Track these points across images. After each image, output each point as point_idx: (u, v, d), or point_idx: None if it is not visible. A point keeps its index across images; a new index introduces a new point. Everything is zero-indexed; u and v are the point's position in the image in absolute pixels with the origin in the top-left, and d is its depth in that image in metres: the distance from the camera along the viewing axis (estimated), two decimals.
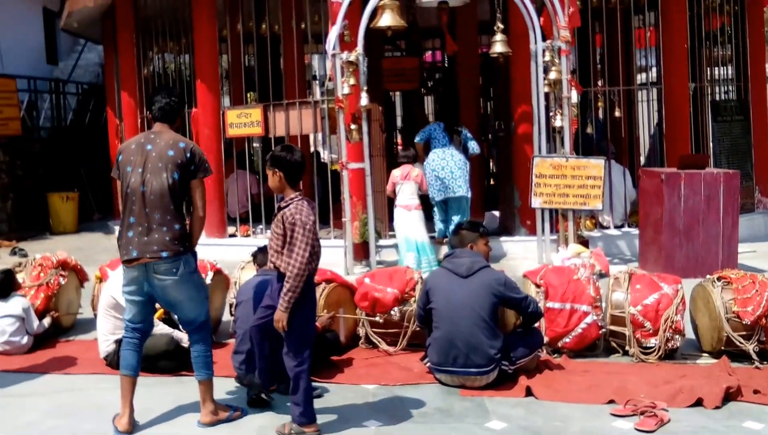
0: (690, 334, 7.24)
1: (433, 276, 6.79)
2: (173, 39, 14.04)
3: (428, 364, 6.64)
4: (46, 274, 8.46)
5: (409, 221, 10.51)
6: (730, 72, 14.04)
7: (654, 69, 14.72)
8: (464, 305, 6.38)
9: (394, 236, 11.06)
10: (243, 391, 6.49)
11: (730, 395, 6.04)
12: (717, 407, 5.89)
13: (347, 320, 7.52)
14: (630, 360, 6.98)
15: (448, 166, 10.90)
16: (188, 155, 5.73)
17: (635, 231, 11.03)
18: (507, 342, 6.48)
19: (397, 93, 18.65)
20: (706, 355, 7.10)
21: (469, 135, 11.32)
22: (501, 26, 10.38)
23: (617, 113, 11.97)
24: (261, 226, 12.33)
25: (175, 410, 6.16)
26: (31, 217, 16.77)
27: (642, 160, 15.80)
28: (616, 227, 11.84)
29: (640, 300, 6.99)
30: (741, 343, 6.80)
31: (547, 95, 10.32)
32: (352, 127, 10.30)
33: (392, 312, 7.27)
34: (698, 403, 5.94)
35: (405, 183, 10.53)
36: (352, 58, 10.13)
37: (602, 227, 11.78)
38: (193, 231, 5.84)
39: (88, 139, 19.38)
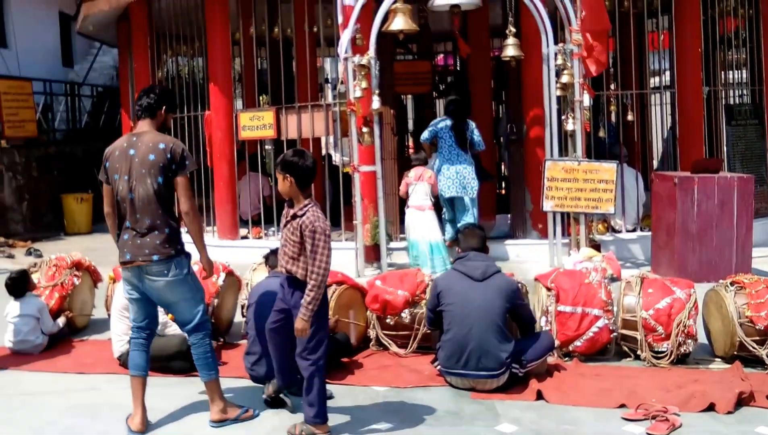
0: (703, 338, 7.23)
1: (445, 278, 6.78)
2: (187, 42, 14.09)
3: (438, 366, 6.64)
4: (60, 274, 8.56)
5: (422, 221, 10.54)
6: (744, 76, 14.00)
7: (667, 72, 14.69)
8: (478, 309, 6.37)
9: (405, 238, 11.09)
10: (256, 391, 6.54)
11: (743, 400, 6.03)
12: (729, 412, 5.87)
13: (358, 322, 7.54)
14: (642, 364, 6.96)
15: (454, 165, 10.96)
16: (168, 156, 5.75)
17: (648, 235, 10.99)
18: (518, 346, 6.49)
19: (409, 96, 18.67)
20: (719, 360, 7.08)
21: (475, 131, 11.25)
22: (513, 30, 10.38)
23: (630, 117, 11.94)
24: (273, 228, 12.36)
25: (188, 410, 6.21)
26: (45, 218, 16.90)
27: (655, 163, 15.77)
28: (629, 231, 11.78)
29: (653, 304, 6.96)
30: (754, 348, 6.78)
31: (559, 98, 10.30)
32: (364, 130, 10.31)
33: (403, 314, 7.29)
34: (710, 408, 5.92)
35: (418, 184, 10.57)
36: (364, 61, 10.14)
37: (614, 231, 11.74)
38: (188, 228, 5.89)
39: (103, 141, 19.45)
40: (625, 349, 7.14)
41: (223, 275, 7.99)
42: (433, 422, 5.92)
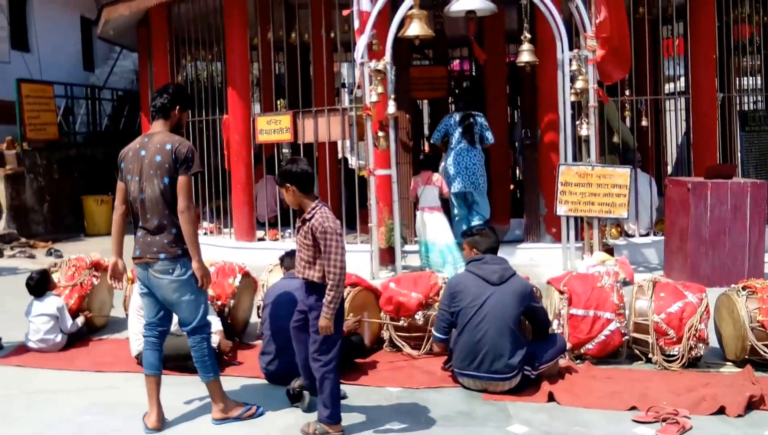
0: (714, 342, 7.23)
1: (461, 280, 6.72)
2: (206, 47, 14.18)
3: (451, 367, 6.69)
4: (80, 274, 8.69)
5: (432, 223, 10.73)
6: (758, 82, 14.00)
7: (682, 78, 14.69)
8: (494, 312, 6.39)
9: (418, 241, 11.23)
10: (269, 390, 6.65)
11: (753, 404, 6.05)
12: (739, 415, 5.89)
13: (372, 324, 7.60)
14: (653, 367, 6.98)
15: (464, 161, 11.18)
16: (173, 157, 5.83)
17: (661, 239, 11.01)
18: (531, 348, 6.53)
19: (425, 101, 18.72)
20: (730, 363, 7.10)
21: (485, 124, 11.39)
22: (528, 35, 10.37)
23: (644, 122, 11.96)
24: (289, 231, 12.42)
25: (203, 408, 6.27)
26: (66, 219, 17.04)
27: (669, 169, 15.78)
28: (642, 235, 11.82)
29: (664, 308, 6.98)
30: (765, 352, 6.80)
31: (573, 104, 10.34)
32: (380, 134, 10.37)
33: (416, 316, 7.35)
34: (721, 411, 5.94)
35: (426, 187, 10.77)
36: (380, 66, 10.19)
37: (628, 235, 11.76)
38: (182, 228, 5.90)
39: (122, 143, 19.55)
40: (637, 352, 7.16)
41: (239, 276, 8.08)
42: (446, 423, 5.96)
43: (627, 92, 12.07)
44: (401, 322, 7.42)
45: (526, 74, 11.39)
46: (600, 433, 5.76)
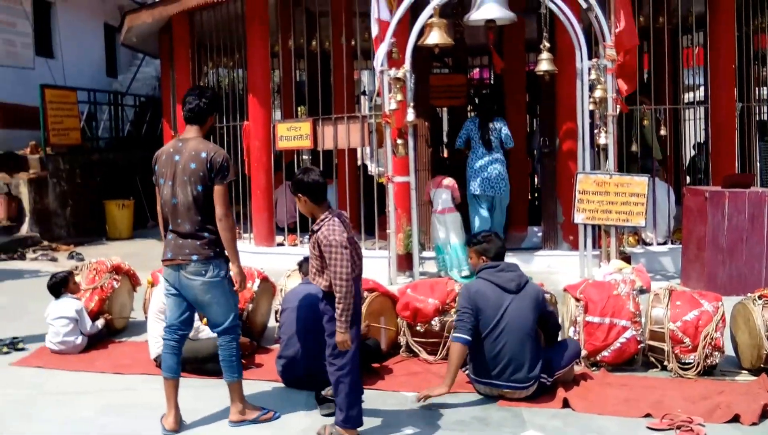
0: (729, 351, 7.23)
1: (479, 287, 6.58)
2: (227, 54, 14.28)
3: (467, 372, 6.69)
4: (100, 277, 8.75)
5: (444, 225, 11.05)
6: None
7: (701, 88, 14.68)
8: (513, 321, 6.38)
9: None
10: (286, 393, 6.70)
11: None
12: (754, 423, 5.89)
13: (388, 329, 7.63)
14: (668, 375, 6.98)
15: (481, 165, 11.45)
16: (208, 165, 5.88)
17: (678, 248, 11.01)
18: (546, 355, 6.55)
19: (444, 109, 18.76)
20: (745, 372, 7.09)
21: (504, 129, 11.57)
22: (548, 44, 10.40)
23: (662, 132, 11.96)
24: (308, 236, 12.48)
25: (220, 411, 6.31)
26: (88, 223, 17.14)
27: (687, 178, 15.75)
28: (659, 244, 11.82)
29: (680, 316, 6.98)
30: None
31: (592, 113, 10.35)
32: (399, 141, 10.42)
33: (433, 322, 7.38)
34: (735, 419, 5.94)
35: (438, 190, 11.08)
36: (400, 74, 10.25)
37: (645, 244, 11.77)
38: (221, 235, 5.99)
39: (144, 149, 19.74)
40: (652, 359, 7.17)
41: (258, 281, 8.13)
42: (460, 428, 5.99)
43: (646, 101, 12.08)
44: (418, 328, 7.44)
45: (545, 83, 11.41)
46: None
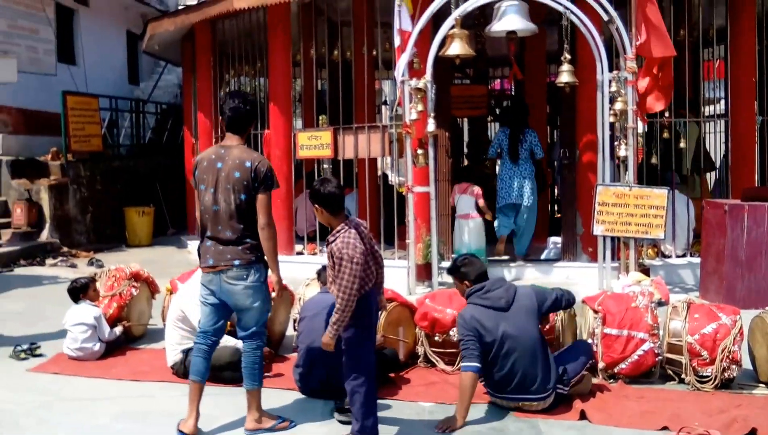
0: (747, 364, 7.21)
1: (473, 313, 6.43)
2: (249, 63, 14.37)
3: (483, 384, 6.66)
4: (119, 284, 8.74)
5: (465, 230, 11.30)
6: None
7: (722, 101, 14.65)
8: (516, 338, 6.34)
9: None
10: (302, 403, 6.73)
11: None
12: None
13: (407, 338, 7.64)
14: (686, 388, 6.96)
15: (507, 175, 11.84)
16: (253, 175, 5.93)
17: (697, 261, 10.99)
18: (560, 364, 6.54)
19: (465, 119, 18.79)
20: (763, 386, 7.06)
21: (535, 140, 11.89)
22: (568, 56, 10.41)
23: (682, 144, 11.95)
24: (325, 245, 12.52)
25: (237, 420, 6.32)
26: (108, 229, 17.19)
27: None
28: (678, 256, 11.81)
29: (698, 329, 6.97)
30: None
31: (612, 125, 10.35)
32: (419, 151, 10.47)
33: (451, 332, 7.36)
34: (752, 433, 5.92)
35: (463, 196, 11.34)
36: (421, 85, 10.30)
37: (664, 256, 11.76)
38: (262, 244, 6.04)
39: (165, 156, 19.87)
40: (670, 372, 7.16)
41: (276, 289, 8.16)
42: None
43: (666, 114, 12.08)
44: (436, 338, 7.45)
45: (565, 94, 11.43)
46: None
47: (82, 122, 16.72)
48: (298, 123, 16.21)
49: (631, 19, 10.20)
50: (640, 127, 10.48)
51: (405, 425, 6.26)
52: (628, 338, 7.05)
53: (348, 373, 5.78)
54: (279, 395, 6.92)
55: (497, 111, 18.49)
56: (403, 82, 10.52)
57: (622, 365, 7.08)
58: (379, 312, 6.53)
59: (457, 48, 10.34)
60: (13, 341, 8.49)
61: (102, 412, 6.63)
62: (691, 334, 6.98)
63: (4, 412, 6.58)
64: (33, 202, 15.38)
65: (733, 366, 6.90)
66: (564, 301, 6.77)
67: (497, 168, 11.79)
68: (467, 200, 11.37)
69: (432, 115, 10.39)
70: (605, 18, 10.26)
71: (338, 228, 5.78)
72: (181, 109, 18.89)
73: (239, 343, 6.74)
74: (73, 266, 13.92)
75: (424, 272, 10.86)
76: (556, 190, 16.39)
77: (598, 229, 10.23)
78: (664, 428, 6.07)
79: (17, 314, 10.00)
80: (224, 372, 7.02)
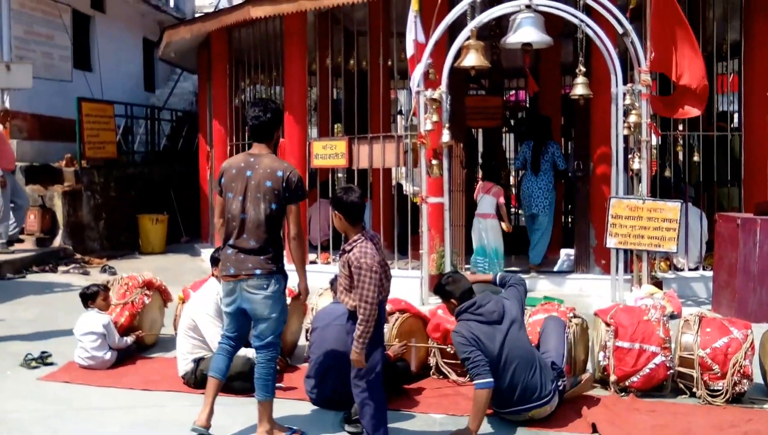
0: (758, 378, 7.22)
1: (470, 327, 6.39)
2: (264, 71, 14.41)
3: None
4: (131, 293, 8.69)
5: (483, 229, 11.46)
6: None
7: (735, 115, 14.64)
8: (513, 349, 6.37)
9: (470, 270, 11.41)
10: (313, 414, 6.75)
11: None
12: None
13: (419, 350, 7.65)
14: (697, 402, 6.96)
15: (527, 187, 12.25)
16: (285, 184, 5.96)
17: (710, 274, 10.99)
18: (548, 359, 6.65)
19: (480, 130, 18.81)
20: None
21: (557, 152, 12.22)
22: (583, 69, 10.45)
23: (696, 158, 11.96)
24: (340, 255, 12.53)
25: (247, 429, 6.35)
26: (121, 236, 17.20)
27: None
28: (691, 269, 11.80)
29: (710, 343, 6.98)
30: None
31: (626, 137, 10.36)
32: (433, 162, 10.49)
33: None
34: None
35: (484, 196, 11.50)
36: (436, 95, 10.33)
37: (677, 269, 11.75)
38: (292, 254, 6.14)
39: (179, 164, 19.93)
40: (681, 386, 7.16)
41: (288, 299, 8.02)
42: None
43: (680, 127, 12.09)
44: (448, 349, 7.45)
45: (579, 107, 11.45)
46: None
47: (96, 129, 16.71)
48: (313, 132, 16.26)
49: (645, 33, 10.22)
50: (654, 140, 10.44)
51: None
52: (640, 351, 7.06)
53: (358, 383, 5.81)
54: (290, 405, 6.93)
55: (513, 123, 18.55)
56: (418, 92, 10.56)
57: (634, 378, 7.09)
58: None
59: (472, 59, 10.36)
60: (24, 349, 8.48)
61: (112, 421, 6.64)
62: (703, 348, 6.99)
63: (14, 421, 6.60)
64: (46, 208, 15.42)
65: (744, 380, 6.89)
66: (524, 291, 6.94)
67: (522, 181, 12.07)
68: (489, 200, 11.50)
69: (447, 125, 10.42)
70: (620, 31, 10.28)
71: (355, 238, 5.81)
72: (196, 117, 18.97)
73: (250, 353, 6.81)
74: (86, 273, 13.89)
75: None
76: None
77: (611, 242, 10.25)
78: None
79: (29, 322, 9.99)
80: (235, 382, 6.99)
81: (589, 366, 7.57)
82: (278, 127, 6.27)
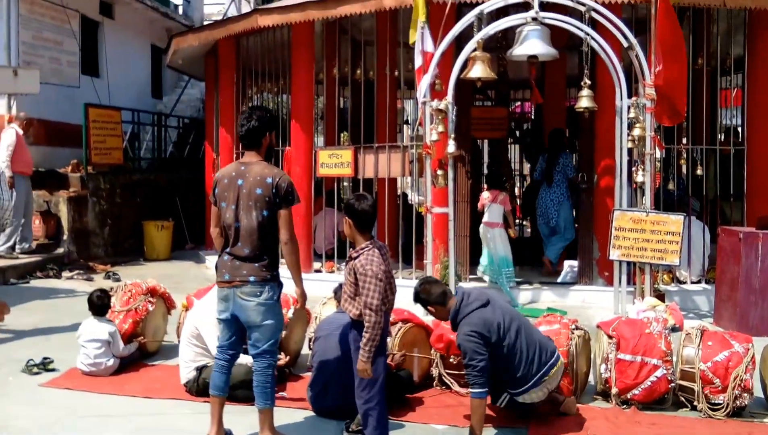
0: (759, 392, 7.23)
1: (480, 315, 6.43)
2: (272, 80, 14.46)
3: (504, 401, 6.64)
4: (135, 299, 8.65)
5: (492, 237, 11.44)
6: None
7: (739, 129, 14.67)
8: (512, 314, 6.60)
9: (474, 280, 11.45)
10: (316, 423, 6.75)
11: None
12: None
13: (421, 360, 7.64)
14: (698, 415, 6.97)
15: (541, 197, 12.86)
16: (274, 191, 6.00)
17: (712, 287, 11.03)
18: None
19: (485, 141, 18.85)
20: None
21: (567, 163, 12.72)
22: (588, 81, 10.48)
23: (699, 171, 11.98)
24: (345, 262, 12.57)
25: None
26: (126, 243, 17.21)
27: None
28: (693, 282, 11.83)
29: (711, 357, 6.98)
30: None
31: (630, 150, 10.41)
32: (439, 172, 10.53)
33: None
34: None
35: (493, 205, 11.46)
36: (442, 106, 10.36)
37: (679, 282, 11.78)
38: (285, 259, 6.14)
39: (185, 171, 19.95)
40: (682, 399, 7.17)
41: (292, 308, 8.06)
42: None
43: (684, 141, 12.13)
44: (451, 360, 7.45)
45: (584, 119, 11.49)
46: None
47: (103, 135, 16.70)
48: (320, 141, 16.30)
49: (650, 46, 10.27)
50: (658, 153, 10.50)
51: None
52: (642, 364, 7.07)
53: (361, 394, 5.84)
54: (293, 414, 6.94)
55: (518, 134, 18.59)
56: (424, 103, 10.60)
57: (635, 391, 7.10)
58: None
59: (478, 70, 10.40)
60: (27, 355, 8.45)
61: (113, 428, 6.64)
62: (704, 362, 6.99)
63: (15, 428, 6.60)
64: (51, 213, 15.39)
65: (745, 394, 6.91)
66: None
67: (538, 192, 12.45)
68: (498, 209, 11.50)
69: (452, 136, 10.45)
70: (625, 44, 10.33)
71: (362, 245, 5.86)
72: (203, 124, 18.98)
73: (251, 361, 6.74)
74: (90, 279, 13.85)
75: None
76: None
77: (614, 254, 10.29)
78: None
79: (32, 327, 9.99)
80: (237, 390, 6.98)
81: (591, 378, 7.59)
82: (267, 134, 6.25)
